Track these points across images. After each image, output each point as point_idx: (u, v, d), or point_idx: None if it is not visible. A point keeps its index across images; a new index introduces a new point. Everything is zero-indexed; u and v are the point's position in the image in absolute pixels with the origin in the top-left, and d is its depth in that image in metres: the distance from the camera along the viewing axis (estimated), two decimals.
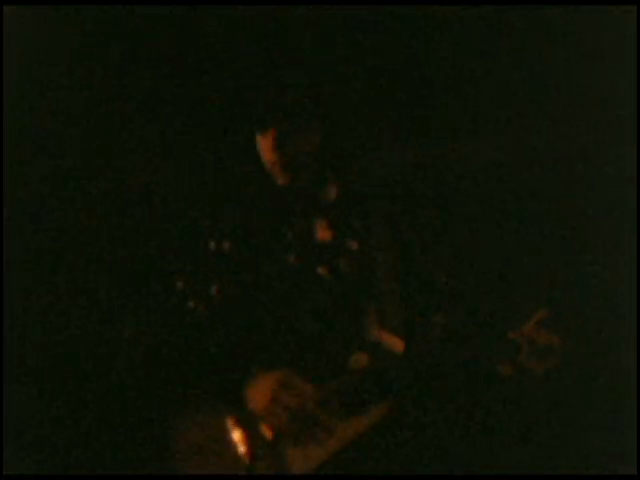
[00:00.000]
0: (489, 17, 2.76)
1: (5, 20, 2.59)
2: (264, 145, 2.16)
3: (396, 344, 2.13)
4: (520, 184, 2.80)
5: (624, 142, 2.71)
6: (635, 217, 2.63)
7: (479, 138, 2.84)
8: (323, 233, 2.21)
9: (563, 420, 2.69)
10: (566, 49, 2.75)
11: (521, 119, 2.83)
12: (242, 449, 2.06)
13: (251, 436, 2.06)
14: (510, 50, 2.78)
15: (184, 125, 2.80)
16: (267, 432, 2.05)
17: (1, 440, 2.52)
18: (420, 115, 2.81)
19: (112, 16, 2.72)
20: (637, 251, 2.61)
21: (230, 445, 2.07)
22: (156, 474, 2.20)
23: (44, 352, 2.69)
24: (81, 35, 2.75)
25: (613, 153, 2.74)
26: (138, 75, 2.78)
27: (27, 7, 2.64)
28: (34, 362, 2.69)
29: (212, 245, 2.18)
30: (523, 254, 2.74)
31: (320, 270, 2.16)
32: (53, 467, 2.63)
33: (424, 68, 2.82)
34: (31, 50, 2.69)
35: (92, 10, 2.70)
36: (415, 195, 2.33)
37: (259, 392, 2.06)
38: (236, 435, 2.07)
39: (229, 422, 2.08)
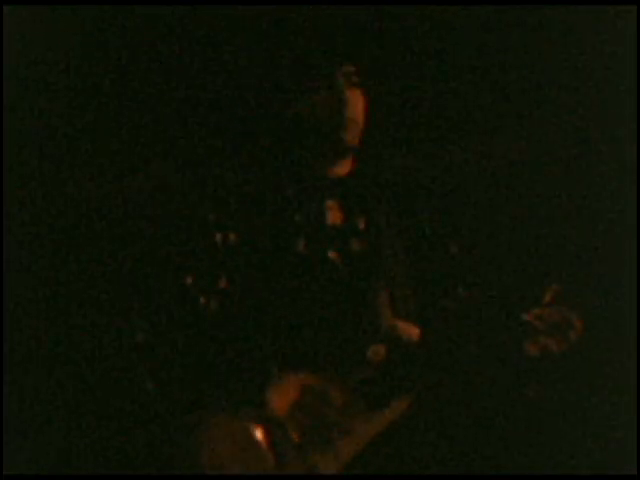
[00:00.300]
0: (489, 17, 2.76)
1: (5, 20, 2.59)
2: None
3: (411, 332, 2.10)
4: (528, 170, 2.81)
5: (624, 142, 2.71)
6: (635, 217, 2.63)
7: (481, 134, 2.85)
8: (334, 215, 2.17)
9: (563, 420, 2.69)
10: (566, 49, 2.75)
11: (520, 119, 2.83)
12: (269, 454, 2.01)
13: (277, 440, 2.02)
14: (510, 50, 2.78)
15: (185, 117, 2.79)
16: (294, 435, 2.01)
17: (1, 440, 2.52)
18: (422, 116, 2.81)
19: (112, 16, 2.72)
20: (637, 252, 2.61)
21: (256, 451, 2.00)
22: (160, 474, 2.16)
23: (46, 355, 2.69)
24: (81, 35, 2.75)
25: (613, 153, 2.74)
26: (138, 75, 2.78)
27: (27, 7, 2.64)
28: (36, 364, 2.69)
29: (218, 238, 2.14)
30: (532, 236, 2.75)
31: (331, 255, 2.12)
32: (53, 467, 2.63)
33: (424, 69, 2.82)
34: (31, 50, 2.69)
35: (92, 10, 2.70)
36: (425, 181, 2.32)
37: (281, 396, 2.02)
38: (261, 440, 2.02)
39: (253, 427, 2.03)
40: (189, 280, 2.10)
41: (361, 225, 2.17)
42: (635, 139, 2.67)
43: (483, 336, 2.08)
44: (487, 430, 2.53)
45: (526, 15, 2.74)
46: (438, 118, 2.82)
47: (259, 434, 2.00)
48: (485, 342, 2.07)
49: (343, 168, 2.17)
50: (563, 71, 2.78)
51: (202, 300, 2.09)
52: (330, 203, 2.16)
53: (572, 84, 2.77)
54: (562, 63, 2.77)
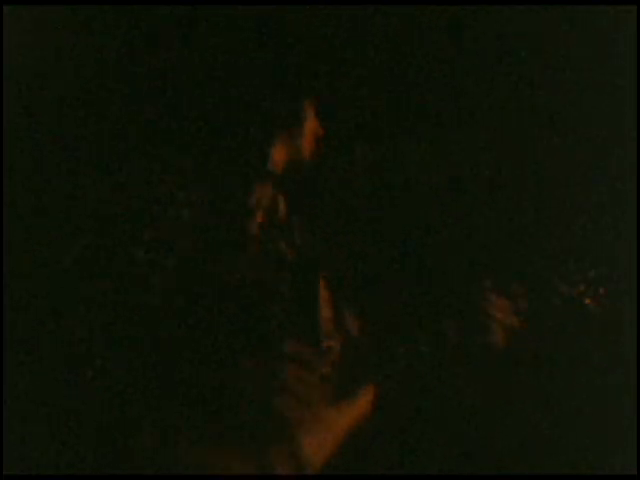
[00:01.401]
0: (488, 17, 2.76)
1: (5, 20, 2.60)
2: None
3: (352, 325, 2.14)
4: (505, 192, 2.80)
5: (624, 143, 2.71)
6: (635, 217, 2.64)
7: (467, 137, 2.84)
8: (282, 209, 2.20)
9: (562, 420, 2.69)
10: (566, 49, 2.76)
11: (519, 119, 2.83)
12: None
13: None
14: (509, 50, 2.78)
15: (180, 117, 2.79)
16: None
17: (1, 440, 2.52)
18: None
19: (112, 16, 2.73)
20: (637, 255, 2.61)
21: None
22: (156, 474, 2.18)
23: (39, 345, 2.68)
24: (80, 34, 2.75)
25: (613, 154, 2.75)
26: (137, 75, 2.79)
27: (27, 7, 2.64)
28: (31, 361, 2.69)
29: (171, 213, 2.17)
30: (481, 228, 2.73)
31: (281, 244, 2.16)
32: (53, 467, 2.63)
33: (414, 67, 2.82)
34: (31, 50, 2.70)
35: (92, 10, 2.71)
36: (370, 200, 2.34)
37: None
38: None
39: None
40: (140, 253, 2.13)
41: (304, 220, 2.20)
42: (635, 139, 2.67)
43: (430, 327, 2.12)
44: (481, 427, 2.53)
45: (525, 15, 2.74)
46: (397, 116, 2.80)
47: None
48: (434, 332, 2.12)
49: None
50: (563, 71, 2.78)
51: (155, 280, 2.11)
52: (279, 195, 2.19)
53: (572, 84, 2.77)
54: (562, 63, 2.77)
